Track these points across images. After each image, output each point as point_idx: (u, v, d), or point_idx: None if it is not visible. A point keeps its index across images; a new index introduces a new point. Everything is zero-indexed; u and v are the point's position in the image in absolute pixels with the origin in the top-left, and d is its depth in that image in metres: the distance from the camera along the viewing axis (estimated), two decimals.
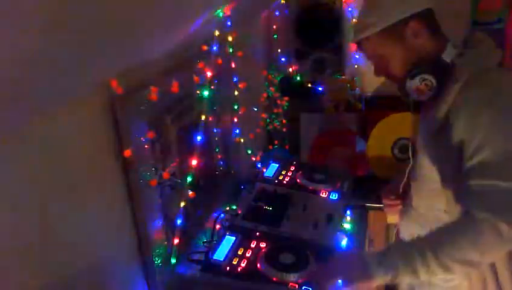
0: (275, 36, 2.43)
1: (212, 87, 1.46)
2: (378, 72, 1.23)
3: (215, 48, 1.48)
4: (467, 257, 1.01)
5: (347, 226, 1.55)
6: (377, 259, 1.08)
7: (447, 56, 1.12)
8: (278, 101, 2.47)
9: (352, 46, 2.45)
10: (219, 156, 1.73)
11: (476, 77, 1.07)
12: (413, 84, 1.13)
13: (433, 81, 1.11)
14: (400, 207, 1.41)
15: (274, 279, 1.23)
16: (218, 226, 1.52)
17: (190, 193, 1.36)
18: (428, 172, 1.19)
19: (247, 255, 1.32)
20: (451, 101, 1.08)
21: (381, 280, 1.07)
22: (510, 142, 1.00)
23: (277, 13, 2.42)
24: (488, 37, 1.16)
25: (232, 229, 1.45)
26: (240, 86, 1.75)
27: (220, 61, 1.54)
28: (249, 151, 1.90)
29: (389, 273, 1.05)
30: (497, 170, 0.99)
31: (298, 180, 1.78)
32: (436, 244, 1.03)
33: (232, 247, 1.35)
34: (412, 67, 1.14)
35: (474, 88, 1.06)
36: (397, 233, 1.44)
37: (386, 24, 1.13)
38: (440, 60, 1.12)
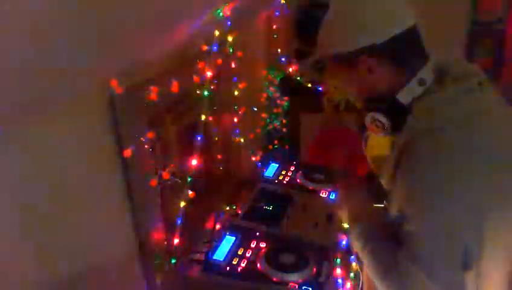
0: (275, 36, 2.43)
1: (212, 87, 1.46)
2: (338, 94, 1.16)
3: (215, 48, 1.48)
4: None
5: (347, 226, 1.55)
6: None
7: (407, 94, 0.97)
8: (278, 101, 2.47)
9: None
10: (219, 156, 1.73)
11: (431, 131, 0.92)
12: (366, 121, 1.02)
13: (385, 122, 0.98)
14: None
15: (274, 279, 1.24)
16: (218, 226, 1.52)
17: (190, 193, 1.36)
18: None
19: (247, 255, 1.32)
20: (402, 145, 0.96)
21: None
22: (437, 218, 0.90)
23: (277, 13, 2.42)
24: (468, 67, 1.00)
25: (232, 229, 1.45)
26: (239, 86, 1.75)
27: (220, 61, 1.54)
28: (249, 151, 1.90)
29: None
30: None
31: (298, 180, 1.78)
32: (372, 244, 1.03)
33: (232, 247, 1.35)
34: (366, 102, 1.03)
35: (424, 146, 0.92)
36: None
37: (338, 51, 1.00)
38: (395, 100, 0.97)
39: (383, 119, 0.99)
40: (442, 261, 0.89)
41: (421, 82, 0.97)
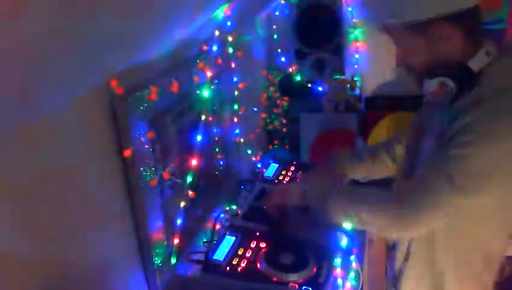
0: (275, 36, 2.43)
1: (212, 87, 1.46)
2: (398, 63, 1.18)
3: (215, 48, 1.48)
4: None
5: (347, 226, 1.55)
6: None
7: (477, 63, 1.05)
8: (278, 101, 2.47)
9: (353, 46, 2.46)
10: (219, 156, 1.73)
11: (498, 93, 1.02)
12: (431, 85, 1.08)
13: (453, 86, 1.05)
14: None
15: (274, 279, 1.23)
16: (218, 226, 1.52)
17: (190, 193, 1.36)
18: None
19: (247, 255, 1.32)
20: (463, 109, 1.04)
21: (295, 192, 1.30)
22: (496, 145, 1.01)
23: (277, 13, 2.42)
24: None
25: (232, 229, 1.45)
26: (239, 86, 1.75)
27: (220, 61, 1.54)
28: (249, 151, 1.90)
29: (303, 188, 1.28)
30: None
31: (298, 180, 1.78)
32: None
33: (232, 247, 1.35)
34: (433, 68, 1.08)
35: (490, 105, 1.02)
36: None
37: (416, 19, 1.05)
38: (465, 66, 1.05)
39: (451, 84, 1.05)
40: (480, 181, 1.03)
41: (488, 53, 1.07)
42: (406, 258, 1.27)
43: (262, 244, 1.37)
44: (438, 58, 1.08)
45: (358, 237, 1.62)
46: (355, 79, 2.40)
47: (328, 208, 1.22)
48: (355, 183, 1.58)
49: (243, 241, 1.38)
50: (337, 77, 2.41)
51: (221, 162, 1.75)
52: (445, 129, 1.08)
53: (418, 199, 1.08)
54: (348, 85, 2.33)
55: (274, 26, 2.43)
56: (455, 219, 1.11)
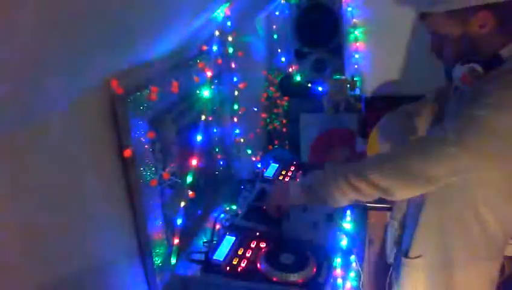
0: (275, 36, 2.43)
1: (212, 87, 1.46)
2: (432, 48, 1.22)
3: (215, 48, 1.48)
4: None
5: (347, 226, 1.55)
6: (299, 182, 1.35)
7: (508, 52, 1.10)
8: (278, 101, 2.47)
9: (353, 46, 2.47)
10: (219, 156, 1.73)
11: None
12: (462, 70, 1.12)
13: (481, 72, 1.10)
14: None
15: (274, 279, 1.23)
16: (218, 226, 1.52)
17: (190, 193, 1.36)
18: None
19: (247, 255, 1.32)
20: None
21: (296, 195, 1.33)
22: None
23: (277, 13, 2.42)
24: None
25: (232, 229, 1.45)
26: (240, 86, 1.75)
27: (220, 61, 1.54)
28: (249, 151, 1.90)
29: (304, 189, 1.31)
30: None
31: (298, 180, 1.78)
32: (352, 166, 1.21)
33: (232, 247, 1.35)
34: (466, 54, 1.13)
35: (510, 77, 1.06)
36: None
37: (459, 6, 1.09)
38: (497, 55, 1.10)
39: (480, 70, 1.10)
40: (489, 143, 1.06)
41: None
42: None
43: (262, 244, 1.37)
44: (474, 45, 1.12)
45: (358, 237, 1.62)
46: (355, 79, 2.39)
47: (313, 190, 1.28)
48: None
49: (243, 241, 1.38)
50: (337, 77, 2.41)
51: (221, 162, 1.75)
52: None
53: (425, 147, 1.12)
54: (348, 85, 2.33)
55: (274, 26, 2.43)
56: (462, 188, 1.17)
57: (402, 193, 1.18)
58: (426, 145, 1.13)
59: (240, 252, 1.33)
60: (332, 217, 1.53)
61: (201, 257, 1.35)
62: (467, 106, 1.08)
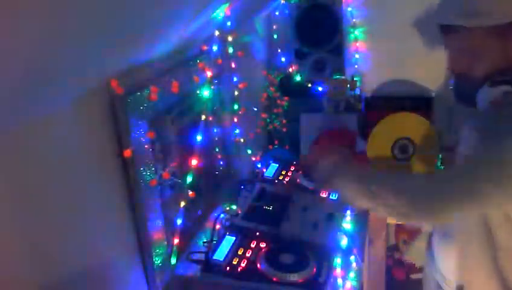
0: (275, 36, 2.43)
1: (212, 87, 1.46)
2: (455, 66, 1.10)
3: (215, 48, 1.48)
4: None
5: (347, 226, 1.55)
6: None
7: None
8: (278, 101, 2.47)
9: (353, 46, 2.46)
10: (219, 156, 1.73)
11: None
12: (492, 93, 1.02)
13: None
14: None
15: (274, 279, 1.23)
16: (218, 226, 1.52)
17: (190, 193, 1.36)
18: None
19: (247, 255, 1.32)
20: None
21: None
22: None
23: (277, 13, 2.42)
24: None
25: (232, 229, 1.45)
26: (239, 86, 1.75)
27: (220, 61, 1.54)
28: (249, 151, 1.90)
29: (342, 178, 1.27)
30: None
31: (298, 180, 1.78)
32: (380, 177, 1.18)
33: (232, 247, 1.35)
34: (496, 73, 1.03)
35: None
36: None
37: (504, 21, 0.98)
38: None
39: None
40: None
41: None
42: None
43: (262, 244, 1.37)
44: (506, 62, 1.03)
45: (358, 237, 1.62)
46: (355, 79, 2.39)
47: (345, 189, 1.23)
48: None
49: (243, 241, 1.38)
50: (337, 77, 2.40)
51: (221, 162, 1.75)
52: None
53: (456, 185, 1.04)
54: (348, 85, 2.33)
55: (274, 26, 2.42)
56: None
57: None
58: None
59: (239, 252, 1.33)
60: (332, 217, 1.53)
61: (201, 257, 1.35)
62: (506, 149, 0.96)
